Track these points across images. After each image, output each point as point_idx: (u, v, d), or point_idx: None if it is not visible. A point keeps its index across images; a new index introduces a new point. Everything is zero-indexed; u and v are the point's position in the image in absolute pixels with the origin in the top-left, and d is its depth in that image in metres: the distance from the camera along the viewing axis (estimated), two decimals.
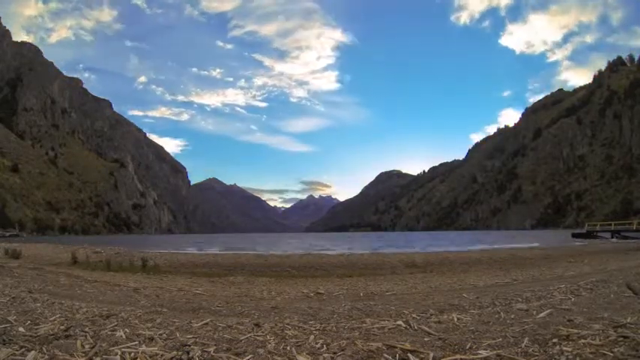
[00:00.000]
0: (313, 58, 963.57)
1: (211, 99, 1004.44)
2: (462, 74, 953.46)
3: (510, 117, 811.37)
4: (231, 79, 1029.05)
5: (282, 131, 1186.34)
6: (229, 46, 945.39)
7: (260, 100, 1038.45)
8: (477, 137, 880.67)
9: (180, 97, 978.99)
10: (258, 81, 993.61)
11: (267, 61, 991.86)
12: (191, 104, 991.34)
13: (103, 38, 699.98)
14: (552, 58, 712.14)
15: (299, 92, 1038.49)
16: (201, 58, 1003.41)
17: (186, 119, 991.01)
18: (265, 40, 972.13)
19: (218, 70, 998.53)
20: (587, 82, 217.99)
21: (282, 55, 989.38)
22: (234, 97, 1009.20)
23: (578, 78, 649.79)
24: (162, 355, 1.98)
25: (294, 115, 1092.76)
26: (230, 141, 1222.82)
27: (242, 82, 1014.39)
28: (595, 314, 2.76)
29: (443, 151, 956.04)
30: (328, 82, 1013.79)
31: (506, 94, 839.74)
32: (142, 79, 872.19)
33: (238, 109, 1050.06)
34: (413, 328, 2.68)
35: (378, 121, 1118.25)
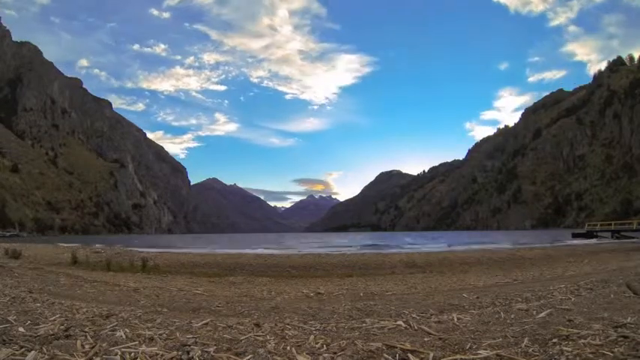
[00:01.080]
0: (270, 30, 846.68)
1: (162, 84, 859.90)
2: (455, 48, 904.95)
3: (509, 102, 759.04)
4: (178, 56, 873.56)
5: (261, 126, 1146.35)
6: (166, 15, 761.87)
7: (217, 83, 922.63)
8: (472, 126, 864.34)
9: (129, 84, 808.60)
10: (209, 58, 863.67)
11: (214, 34, 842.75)
12: (142, 92, 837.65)
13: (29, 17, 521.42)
14: (555, 21, 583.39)
15: (258, 72, 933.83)
16: (140, 31, 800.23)
17: (143, 109, 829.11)
18: (206, 8, 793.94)
19: (162, 47, 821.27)
20: (587, 82, 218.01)
21: (229, 26, 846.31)
22: (187, 80, 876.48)
23: (586, 51, 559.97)
24: (162, 355, 1.98)
25: (260, 101, 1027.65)
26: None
27: (191, 60, 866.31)
28: (595, 314, 2.76)
29: (443, 151, 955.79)
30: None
31: (503, 66, 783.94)
32: (84, 62, 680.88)
33: (195, 94, 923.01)
34: (413, 328, 2.68)
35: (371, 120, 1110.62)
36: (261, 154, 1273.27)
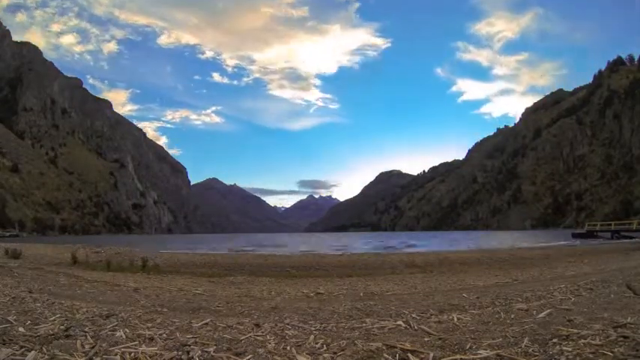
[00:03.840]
0: None
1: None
2: None
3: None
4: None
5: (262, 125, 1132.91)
6: None
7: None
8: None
9: None
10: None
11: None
12: None
13: None
14: None
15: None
16: None
17: None
18: None
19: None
20: (587, 83, 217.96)
21: None
22: None
23: None
24: (162, 355, 1.98)
25: None
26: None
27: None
28: (595, 314, 2.75)
29: (443, 151, 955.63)
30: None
31: None
32: None
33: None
34: (413, 328, 2.68)
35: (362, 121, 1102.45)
36: (261, 153, 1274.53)
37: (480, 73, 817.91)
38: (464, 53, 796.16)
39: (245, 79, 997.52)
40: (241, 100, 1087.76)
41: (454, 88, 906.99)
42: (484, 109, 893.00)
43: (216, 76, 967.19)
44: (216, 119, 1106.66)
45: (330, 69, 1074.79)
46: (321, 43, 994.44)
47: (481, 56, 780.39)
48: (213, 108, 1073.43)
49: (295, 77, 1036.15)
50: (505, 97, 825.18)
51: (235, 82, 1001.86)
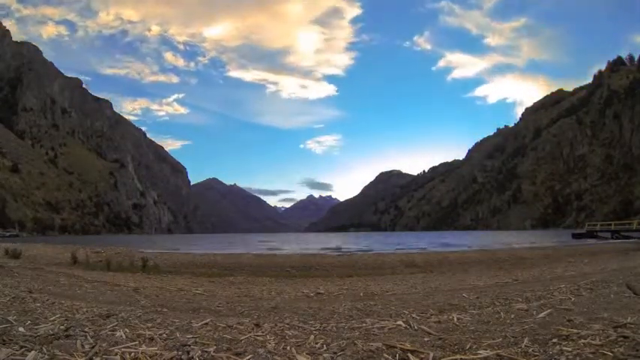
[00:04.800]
0: None
1: None
2: None
3: None
4: None
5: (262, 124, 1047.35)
6: None
7: None
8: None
9: None
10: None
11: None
12: None
13: None
14: None
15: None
16: None
17: None
18: None
19: None
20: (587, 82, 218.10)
21: None
22: None
23: None
24: (162, 355, 1.98)
25: None
26: None
27: None
28: (595, 314, 2.75)
29: (443, 151, 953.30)
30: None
31: None
32: None
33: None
34: (413, 328, 2.68)
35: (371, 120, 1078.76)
36: (261, 153, 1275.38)
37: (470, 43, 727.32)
38: (448, 17, 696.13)
39: (201, 59, 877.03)
40: (206, 86, 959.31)
41: (441, 63, 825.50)
42: (479, 91, 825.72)
43: (170, 57, 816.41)
44: (181, 109, 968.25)
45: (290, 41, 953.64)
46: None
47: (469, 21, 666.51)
48: (175, 96, 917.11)
49: (257, 56, 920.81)
50: (501, 77, 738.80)
51: (192, 65, 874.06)
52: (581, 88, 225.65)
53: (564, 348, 1.93)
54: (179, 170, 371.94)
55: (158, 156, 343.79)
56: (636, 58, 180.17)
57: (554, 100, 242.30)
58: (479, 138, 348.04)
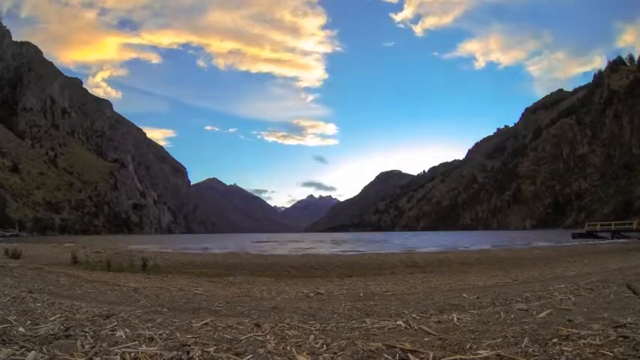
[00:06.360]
0: None
1: None
2: None
3: None
4: None
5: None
6: None
7: None
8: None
9: None
10: None
11: None
12: None
13: None
14: None
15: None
16: None
17: None
18: None
19: None
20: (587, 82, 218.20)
21: None
22: None
23: None
24: (162, 355, 1.98)
25: None
26: None
27: None
28: (595, 314, 2.75)
29: (443, 151, 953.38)
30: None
31: None
32: None
33: None
34: (413, 328, 2.68)
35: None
36: (261, 153, 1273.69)
37: None
38: None
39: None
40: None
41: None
42: (462, 48, 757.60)
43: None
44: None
45: None
46: None
47: None
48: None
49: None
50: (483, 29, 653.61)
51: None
52: (581, 88, 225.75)
53: (564, 348, 1.93)
54: (179, 170, 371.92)
55: (158, 156, 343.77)
56: (636, 58, 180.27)
57: (554, 100, 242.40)
58: (479, 138, 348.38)
